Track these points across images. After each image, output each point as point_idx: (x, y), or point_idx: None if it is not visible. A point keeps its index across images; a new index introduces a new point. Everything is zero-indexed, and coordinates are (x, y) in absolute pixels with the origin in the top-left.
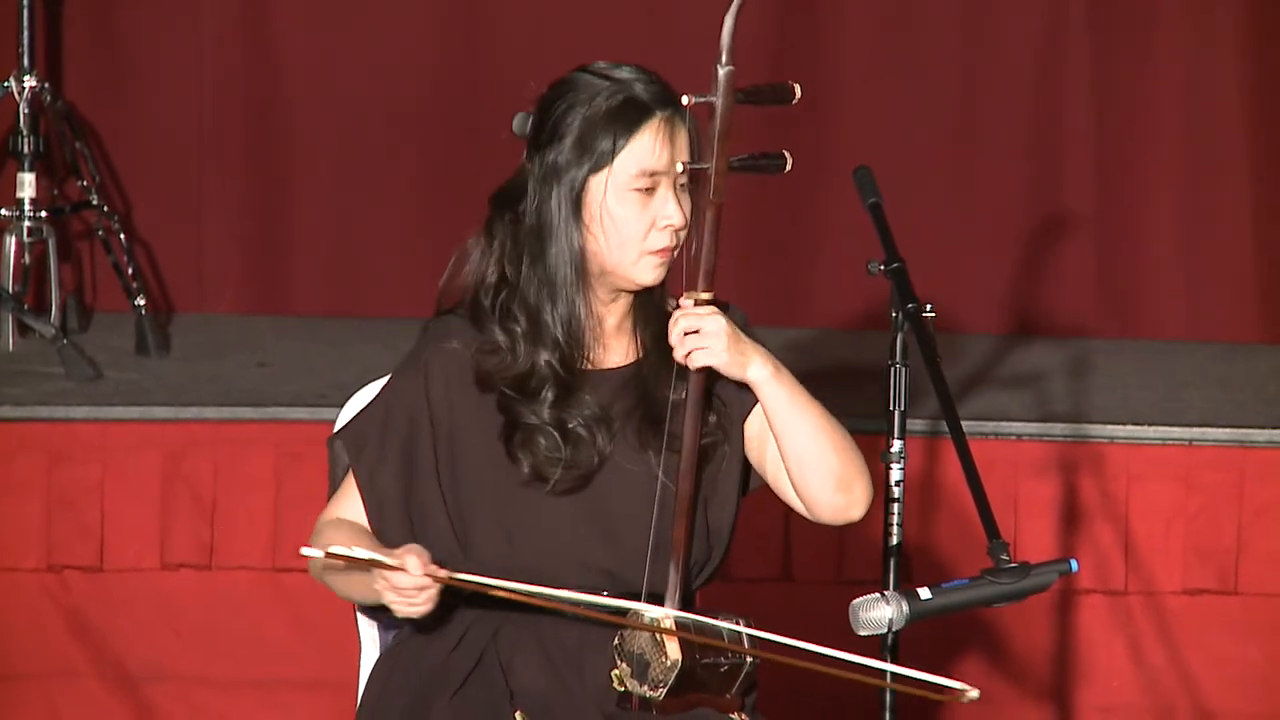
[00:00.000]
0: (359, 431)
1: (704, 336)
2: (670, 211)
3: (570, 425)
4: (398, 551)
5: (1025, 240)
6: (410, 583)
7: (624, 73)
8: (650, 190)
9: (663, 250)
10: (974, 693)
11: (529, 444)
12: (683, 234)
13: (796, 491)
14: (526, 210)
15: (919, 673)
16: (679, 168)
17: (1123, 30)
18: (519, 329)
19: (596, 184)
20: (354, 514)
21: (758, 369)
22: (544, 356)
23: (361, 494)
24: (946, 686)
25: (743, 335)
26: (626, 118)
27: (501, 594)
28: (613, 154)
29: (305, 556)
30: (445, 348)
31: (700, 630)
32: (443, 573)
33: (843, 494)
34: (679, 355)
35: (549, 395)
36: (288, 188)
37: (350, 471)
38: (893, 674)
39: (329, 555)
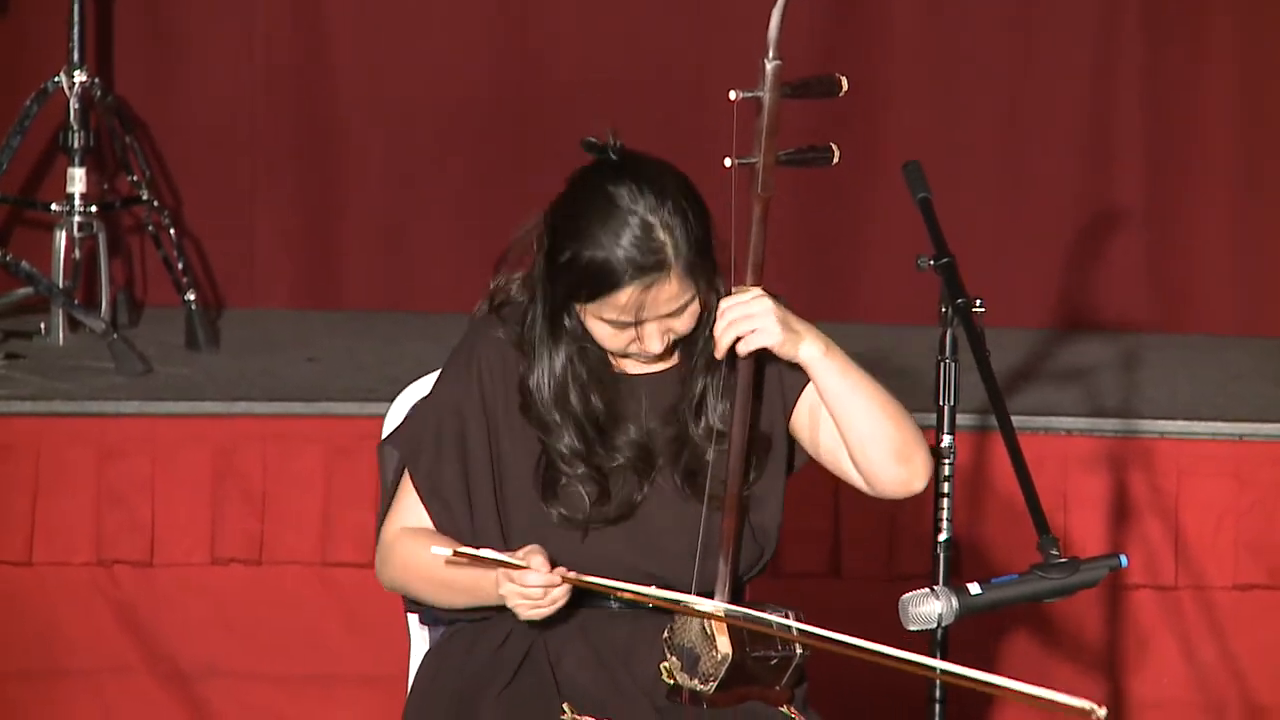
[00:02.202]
0: (412, 436)
1: (754, 319)
2: (650, 345)
3: (610, 467)
4: (520, 552)
5: (1075, 234)
6: (539, 581)
7: (627, 223)
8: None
9: (646, 359)
10: (1101, 711)
11: (560, 495)
12: (678, 334)
13: (857, 467)
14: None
15: (1037, 689)
16: (658, 316)
17: (1175, 23)
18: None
19: (578, 309)
20: (415, 520)
21: (809, 347)
22: (563, 439)
23: (423, 499)
24: (1070, 705)
25: (792, 315)
26: (600, 283)
27: (628, 595)
28: (587, 295)
29: (375, 562)
30: (496, 337)
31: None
32: (571, 574)
33: (904, 465)
34: (725, 344)
35: (575, 448)
36: (338, 183)
37: (405, 477)
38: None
39: (457, 555)
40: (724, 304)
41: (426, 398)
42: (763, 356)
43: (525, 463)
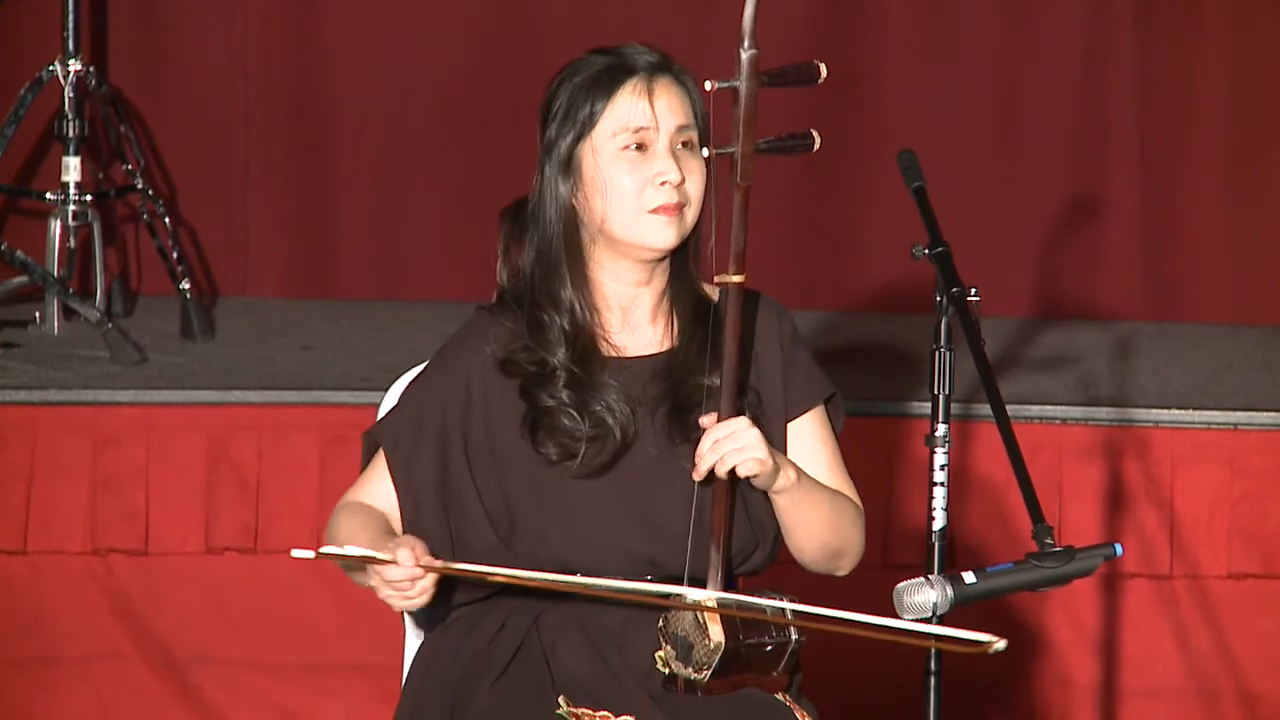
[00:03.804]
0: (394, 427)
1: (745, 449)
2: (663, 167)
3: (591, 407)
4: (391, 544)
5: (1068, 223)
6: (401, 574)
7: (622, 48)
8: (641, 149)
9: (662, 207)
10: (1001, 643)
11: (550, 427)
12: (691, 194)
13: (789, 545)
14: (534, 194)
15: (939, 628)
16: (671, 127)
17: (1167, 11)
18: (536, 319)
19: (585, 150)
20: (377, 499)
21: (784, 479)
22: (557, 351)
23: (398, 489)
24: (971, 640)
25: (771, 448)
26: (605, 81)
27: (501, 579)
28: (592, 117)
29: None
30: (481, 349)
31: (743, 612)
32: (437, 563)
33: (832, 563)
34: (705, 468)
35: (564, 380)
36: (332, 171)
37: (377, 457)
38: (914, 632)
39: (320, 556)
40: (713, 431)
41: (410, 391)
42: (760, 351)
43: (516, 436)
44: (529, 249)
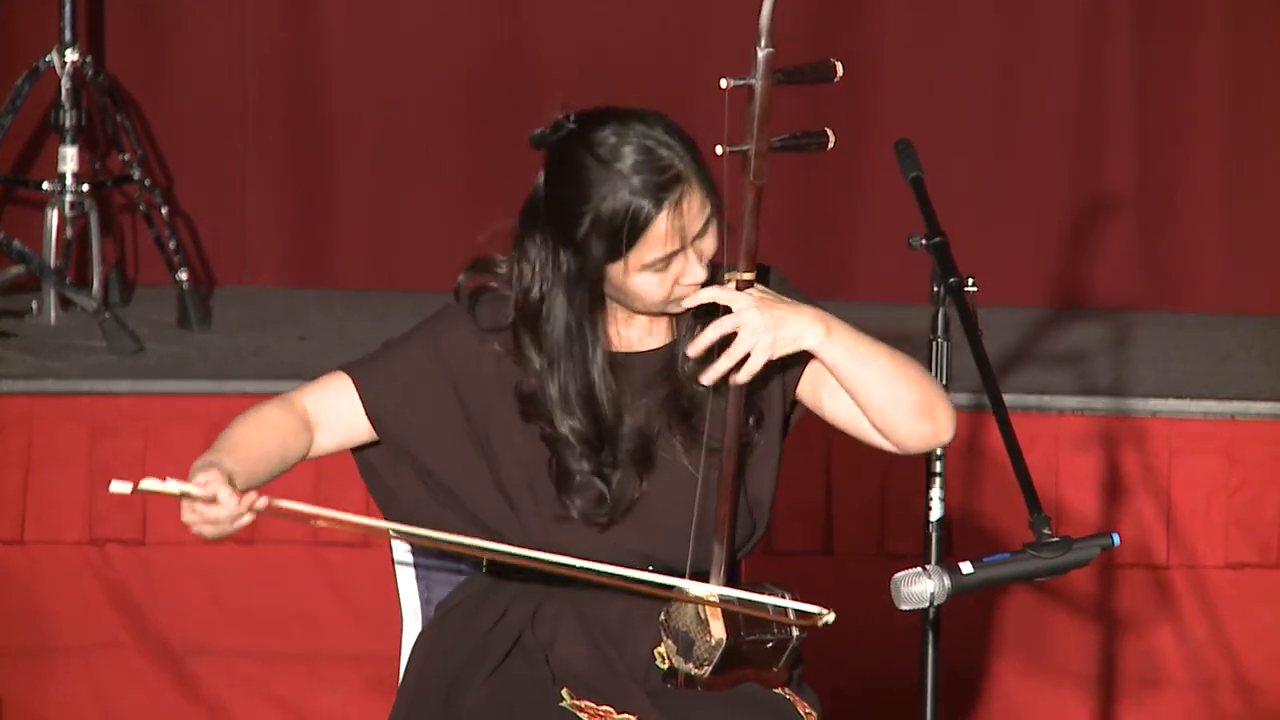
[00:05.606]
0: (375, 380)
1: (743, 339)
2: (692, 273)
3: (612, 468)
4: (201, 478)
5: (1066, 213)
6: (226, 514)
7: (627, 159)
8: (667, 264)
9: (684, 296)
10: (830, 616)
11: (574, 495)
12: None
13: (880, 433)
14: (547, 290)
15: (762, 597)
16: (692, 235)
17: (1165, 3)
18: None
19: (613, 270)
20: (320, 408)
21: (811, 336)
22: (569, 423)
23: (367, 411)
24: (801, 611)
25: (781, 304)
26: (634, 224)
27: (362, 529)
28: (624, 253)
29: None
30: (485, 348)
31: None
32: (261, 502)
33: (928, 422)
34: (719, 370)
35: (581, 448)
36: (330, 161)
37: (339, 379)
38: (725, 597)
39: (137, 491)
40: (708, 333)
41: (392, 349)
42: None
43: (525, 464)
44: (549, 344)
